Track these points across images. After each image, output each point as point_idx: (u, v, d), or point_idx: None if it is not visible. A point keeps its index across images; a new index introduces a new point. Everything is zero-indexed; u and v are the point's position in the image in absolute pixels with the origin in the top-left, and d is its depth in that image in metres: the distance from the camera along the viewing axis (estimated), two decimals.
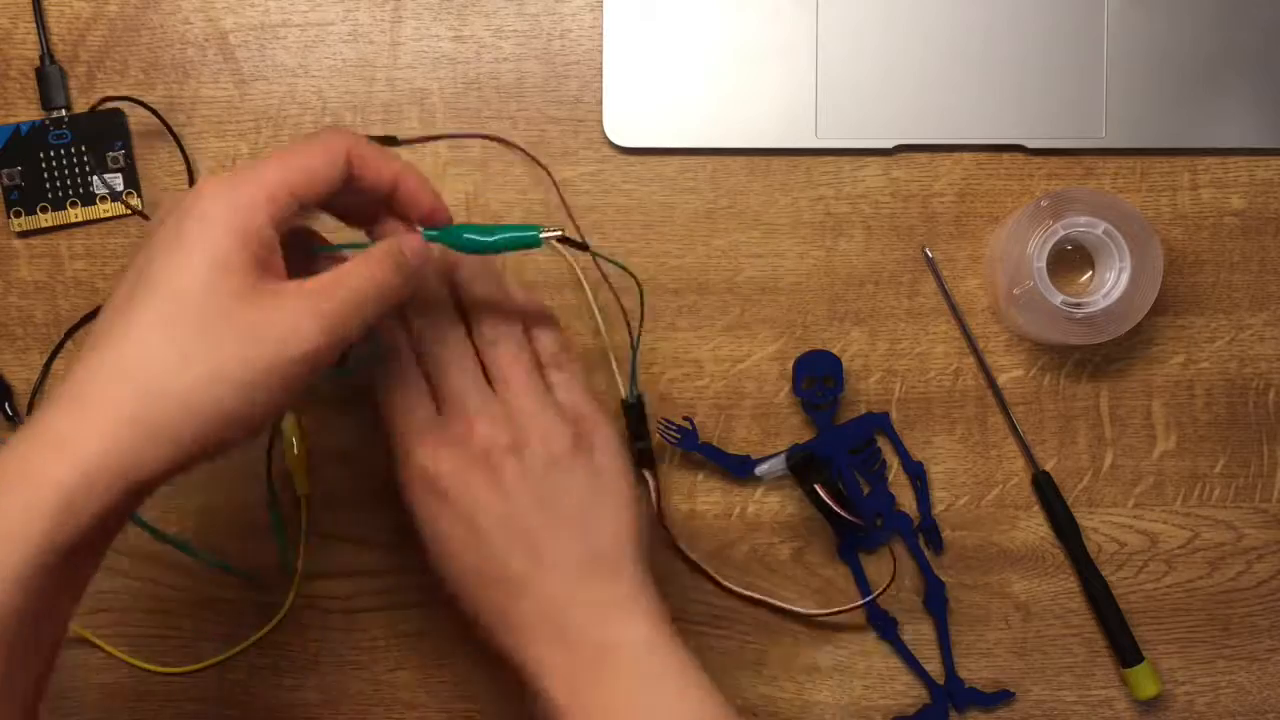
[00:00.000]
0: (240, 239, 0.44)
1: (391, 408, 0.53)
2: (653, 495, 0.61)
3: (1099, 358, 0.63)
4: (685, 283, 0.62)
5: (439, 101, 0.61)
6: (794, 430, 0.63)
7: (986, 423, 0.63)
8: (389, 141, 0.60)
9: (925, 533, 0.63)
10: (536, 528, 0.51)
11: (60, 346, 0.60)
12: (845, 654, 0.63)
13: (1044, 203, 0.59)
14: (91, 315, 0.61)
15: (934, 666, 0.63)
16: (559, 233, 0.52)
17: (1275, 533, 0.64)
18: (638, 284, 0.59)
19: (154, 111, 0.60)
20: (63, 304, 0.61)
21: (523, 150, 0.61)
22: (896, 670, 0.63)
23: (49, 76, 0.60)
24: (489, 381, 0.53)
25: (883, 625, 0.63)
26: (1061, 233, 0.59)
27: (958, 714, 0.63)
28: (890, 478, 0.63)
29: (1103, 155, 0.63)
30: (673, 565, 0.62)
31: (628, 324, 0.61)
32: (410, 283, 0.49)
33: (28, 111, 0.61)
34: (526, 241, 0.52)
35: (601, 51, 0.62)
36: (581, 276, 0.61)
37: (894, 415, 0.63)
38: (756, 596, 0.62)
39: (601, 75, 0.61)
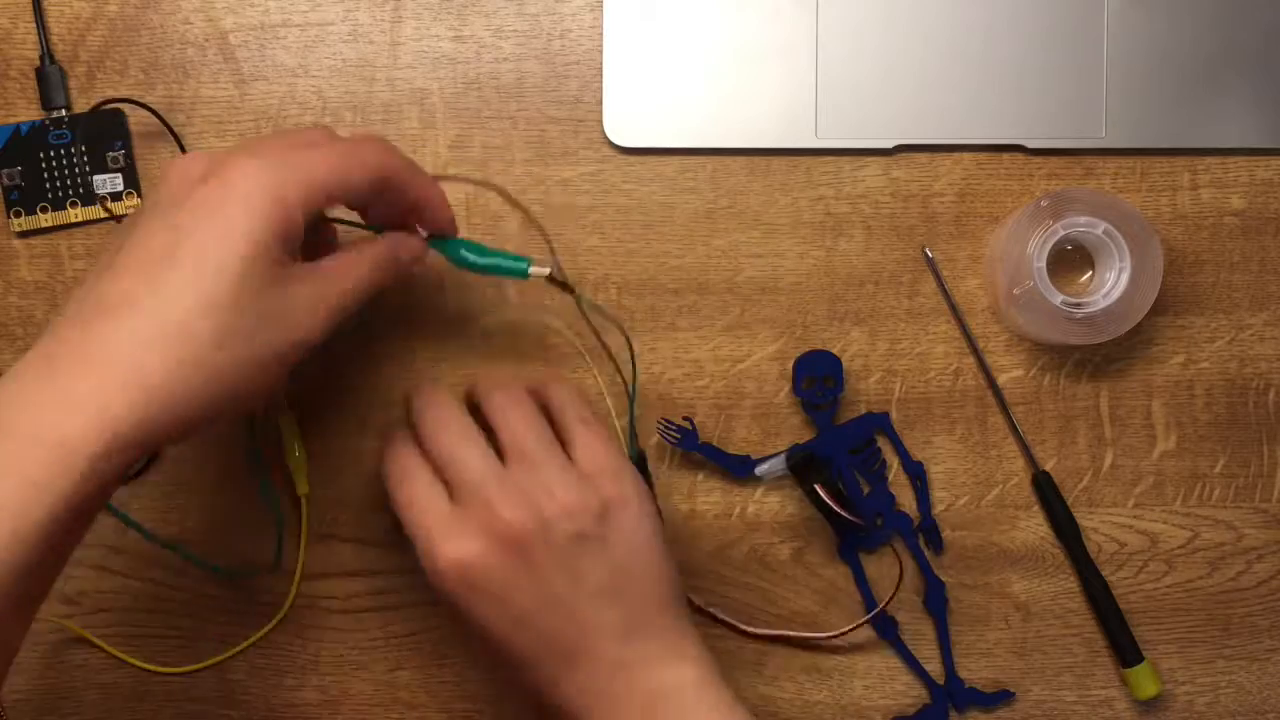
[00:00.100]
0: (279, 229, 0.46)
1: (406, 506, 0.53)
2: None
3: (1099, 358, 0.63)
4: (685, 283, 0.62)
5: (439, 101, 0.61)
6: (794, 430, 0.63)
7: (986, 423, 0.63)
8: None
9: (925, 533, 0.63)
10: (573, 601, 0.51)
11: None
12: (845, 654, 0.63)
13: (1044, 203, 0.59)
14: None
15: (934, 666, 0.63)
16: (548, 271, 0.55)
17: (1275, 533, 0.64)
18: (626, 339, 0.59)
19: (154, 112, 0.60)
20: (63, 304, 0.61)
21: (524, 210, 0.60)
22: (896, 670, 0.63)
23: (49, 76, 0.60)
24: (502, 453, 0.53)
25: (883, 625, 0.63)
26: (1061, 233, 0.59)
27: (958, 714, 0.63)
28: (890, 478, 0.63)
29: (1103, 155, 0.63)
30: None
31: (617, 368, 0.61)
32: (397, 281, 0.52)
33: (28, 111, 0.61)
34: (515, 271, 0.54)
35: (601, 51, 0.62)
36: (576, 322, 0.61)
37: (894, 415, 0.63)
38: (772, 634, 0.62)
39: (601, 75, 0.61)
